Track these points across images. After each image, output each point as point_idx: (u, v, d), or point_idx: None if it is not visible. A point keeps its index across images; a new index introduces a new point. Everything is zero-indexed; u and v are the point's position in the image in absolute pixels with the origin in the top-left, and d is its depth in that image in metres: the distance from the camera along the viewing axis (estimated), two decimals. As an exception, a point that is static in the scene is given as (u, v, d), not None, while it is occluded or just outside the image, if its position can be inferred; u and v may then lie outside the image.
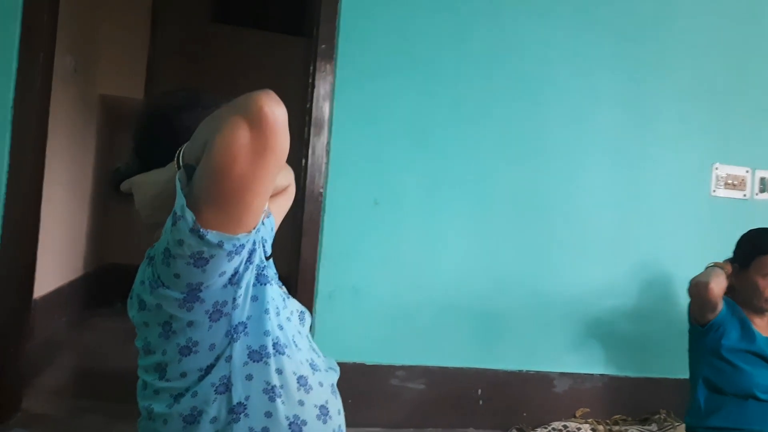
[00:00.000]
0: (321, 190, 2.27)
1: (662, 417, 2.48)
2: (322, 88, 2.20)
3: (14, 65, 2.07)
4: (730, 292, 1.97)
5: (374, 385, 2.33)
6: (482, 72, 2.44)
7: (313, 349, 1.02)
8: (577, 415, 2.47)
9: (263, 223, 0.98)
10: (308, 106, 2.21)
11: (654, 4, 2.57)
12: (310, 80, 2.20)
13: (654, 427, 2.45)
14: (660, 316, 2.54)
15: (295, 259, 2.25)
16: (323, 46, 2.18)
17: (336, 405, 1.00)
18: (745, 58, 2.64)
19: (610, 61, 2.53)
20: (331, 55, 2.21)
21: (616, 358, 2.55)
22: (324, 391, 0.97)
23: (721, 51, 2.61)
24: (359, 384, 2.28)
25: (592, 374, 2.51)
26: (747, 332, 1.97)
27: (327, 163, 2.27)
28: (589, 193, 2.51)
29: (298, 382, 0.93)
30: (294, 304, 1.02)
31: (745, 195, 2.59)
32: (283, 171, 1.18)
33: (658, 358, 2.54)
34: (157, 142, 0.97)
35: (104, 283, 3.86)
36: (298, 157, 2.24)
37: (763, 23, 2.66)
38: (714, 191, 2.58)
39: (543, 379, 2.46)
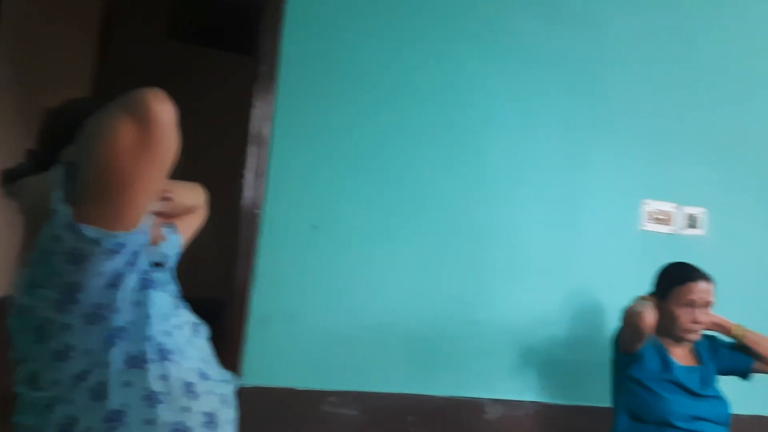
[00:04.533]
0: (258, 212, 2.26)
1: (591, 445, 2.52)
2: (261, 108, 2.21)
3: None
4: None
5: (305, 411, 2.30)
6: (426, 100, 2.49)
7: (206, 360, 1.01)
8: (508, 442, 2.49)
9: (168, 239, 0.98)
10: (246, 126, 2.21)
11: (591, 45, 2.67)
12: (250, 100, 2.20)
13: (582, 455, 2.49)
14: (592, 344, 2.59)
15: (228, 281, 2.23)
16: (264, 66, 2.19)
17: (225, 415, 0.99)
18: (677, 101, 2.75)
19: (548, 99, 2.61)
20: (272, 76, 2.22)
21: (549, 386, 2.59)
22: (213, 399, 0.96)
23: (654, 93, 2.72)
24: (289, 410, 2.25)
25: (525, 401, 2.53)
26: (665, 361, 2.05)
27: (265, 184, 2.27)
28: (527, 224, 2.57)
29: (184, 389, 0.91)
30: (188, 316, 1.02)
31: (672, 230, 2.69)
32: (193, 191, 1.17)
33: (590, 385, 2.58)
34: (53, 143, 0.95)
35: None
36: (235, 177, 2.23)
37: (694, 68, 2.78)
38: (643, 225, 2.67)
39: (475, 405, 2.48)
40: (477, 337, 2.49)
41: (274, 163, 2.29)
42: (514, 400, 2.52)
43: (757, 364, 2.12)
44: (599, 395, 2.53)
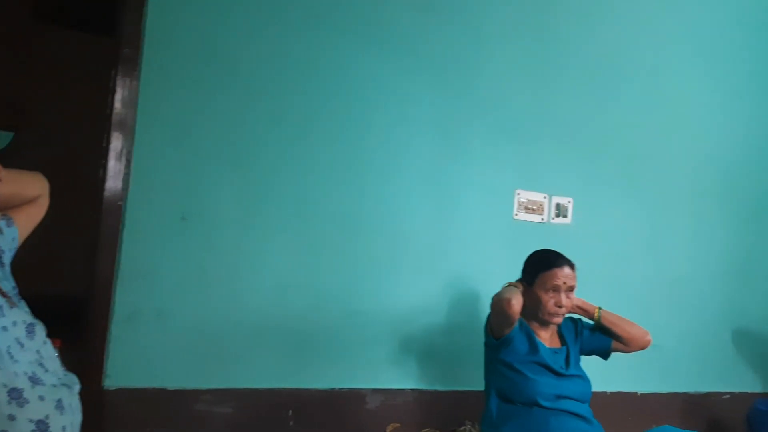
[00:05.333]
0: (120, 203, 2.12)
1: (467, 428, 2.59)
2: (124, 93, 2.07)
3: None
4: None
5: (177, 412, 2.20)
6: (302, 91, 2.45)
7: (40, 363, 0.93)
8: (388, 430, 2.51)
9: (1, 232, 0.89)
10: (107, 112, 2.06)
11: (467, 39, 2.73)
12: (111, 84, 2.06)
13: (459, 438, 2.56)
14: (469, 331, 2.66)
15: (89, 277, 2.08)
16: (126, 49, 2.05)
17: (60, 422, 0.92)
18: (547, 97, 2.88)
19: (424, 91, 2.65)
20: (135, 60, 2.08)
21: (428, 373, 2.64)
22: (45, 406, 0.89)
23: (526, 89, 2.84)
24: (160, 411, 2.14)
25: (404, 389, 2.57)
26: (533, 344, 2.13)
27: (128, 173, 2.13)
28: (405, 215, 2.59)
29: (8, 395, 0.84)
30: (20, 315, 0.94)
31: (542, 219, 2.81)
32: (32, 180, 1.09)
33: (466, 371, 2.65)
34: None
35: None
36: (95, 166, 2.08)
37: (563, 65, 2.92)
38: (516, 215, 2.78)
39: (356, 396, 2.47)
40: (356, 328, 2.49)
41: (139, 152, 2.16)
42: (394, 389, 2.55)
43: (615, 344, 2.25)
44: (476, 380, 2.60)
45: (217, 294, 2.28)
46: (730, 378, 3.23)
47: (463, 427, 2.61)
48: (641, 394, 2.98)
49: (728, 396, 3.18)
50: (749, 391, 3.21)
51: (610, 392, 2.88)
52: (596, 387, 2.60)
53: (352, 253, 2.49)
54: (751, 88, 3.34)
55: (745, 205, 3.29)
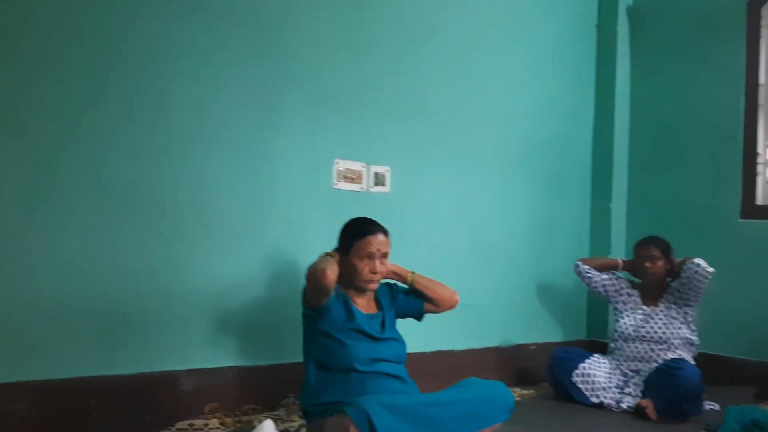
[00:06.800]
0: None
1: (290, 401, 2.58)
2: None
3: None
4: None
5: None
6: (95, 53, 2.24)
7: None
8: (205, 411, 2.41)
9: None
10: None
11: (281, 9, 2.64)
12: None
13: (282, 412, 2.53)
14: (290, 303, 2.60)
15: None
16: None
17: None
18: (364, 65, 2.89)
19: (240, 61, 2.54)
20: None
21: (249, 349, 2.57)
22: None
23: (340, 56, 2.82)
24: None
25: (223, 367, 2.48)
26: (350, 311, 2.15)
27: None
28: (218, 186, 2.48)
29: None
30: None
31: (362, 188, 2.84)
32: None
33: (289, 343, 2.60)
34: None
35: None
36: None
37: (379, 34, 2.95)
38: (335, 184, 2.77)
39: (168, 379, 2.35)
40: (167, 308, 2.36)
41: None
42: (212, 368, 2.45)
43: (427, 306, 2.35)
44: (297, 351, 2.59)
45: (3, 277, 2.03)
46: (536, 330, 3.54)
47: (286, 400, 2.59)
48: (458, 351, 3.16)
49: (534, 347, 3.48)
50: (552, 341, 3.54)
51: (430, 352, 3.02)
52: (417, 348, 2.73)
53: (159, 228, 2.34)
54: (550, 65, 3.63)
55: (543, 173, 3.58)
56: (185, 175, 2.40)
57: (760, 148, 3.35)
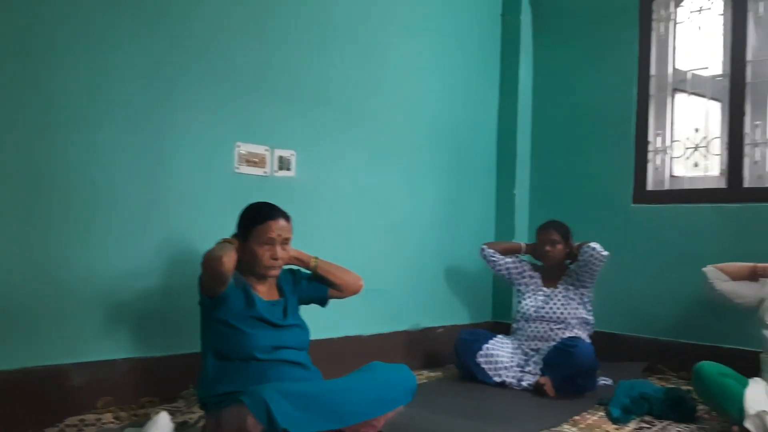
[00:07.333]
0: None
1: (190, 392, 2.49)
2: None
3: None
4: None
5: None
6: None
7: None
8: (98, 405, 2.29)
9: None
10: None
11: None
12: None
13: (181, 404, 2.45)
14: (189, 292, 2.50)
15: None
16: None
17: None
18: (267, 45, 2.80)
19: (133, 36, 2.40)
20: None
21: (144, 340, 2.46)
22: None
23: (245, 36, 2.73)
24: None
25: (116, 360, 2.36)
26: (249, 299, 2.10)
27: None
28: (107, 170, 2.34)
29: None
30: None
31: (265, 172, 2.77)
32: None
33: (188, 333, 2.51)
34: None
35: None
36: None
37: (283, 13, 2.87)
38: (237, 168, 2.69)
39: (56, 373, 2.21)
40: (53, 300, 2.22)
41: None
42: (104, 361, 2.33)
43: (331, 291, 2.32)
44: (197, 341, 2.51)
45: None
46: (444, 313, 3.60)
47: (186, 391, 2.51)
48: (366, 336, 3.16)
49: (441, 329, 3.55)
50: (458, 323, 3.62)
51: (338, 337, 3.01)
52: (325, 334, 2.71)
53: (41, 214, 2.18)
54: (456, 53, 3.68)
55: (450, 160, 3.64)
56: (72, 154, 2.25)
57: (650, 137, 3.54)
